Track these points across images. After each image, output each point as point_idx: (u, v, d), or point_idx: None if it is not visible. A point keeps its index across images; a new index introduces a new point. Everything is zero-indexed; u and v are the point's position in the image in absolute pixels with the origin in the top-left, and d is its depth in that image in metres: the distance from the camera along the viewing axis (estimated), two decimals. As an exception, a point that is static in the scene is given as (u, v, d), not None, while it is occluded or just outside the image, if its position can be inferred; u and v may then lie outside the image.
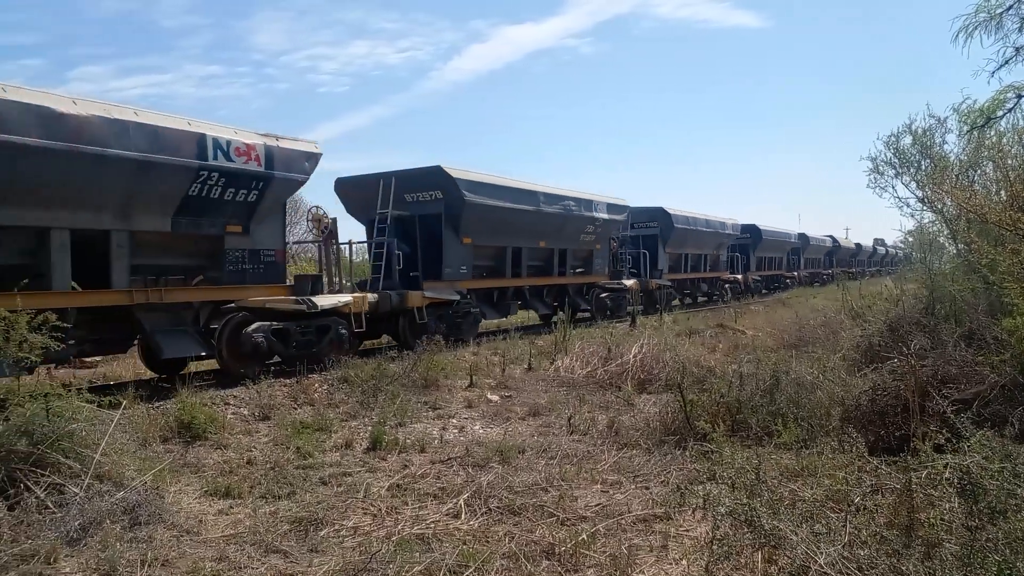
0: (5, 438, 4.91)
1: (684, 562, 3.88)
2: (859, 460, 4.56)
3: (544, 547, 4.14)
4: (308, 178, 11.12)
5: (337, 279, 12.79)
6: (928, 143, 9.98)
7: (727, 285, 29.47)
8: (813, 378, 6.57)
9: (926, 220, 11.72)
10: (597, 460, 6.00)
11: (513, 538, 4.28)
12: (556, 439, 6.76)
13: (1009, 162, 7.83)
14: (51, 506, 4.60)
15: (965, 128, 8.68)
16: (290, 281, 11.22)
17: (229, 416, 7.65)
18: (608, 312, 19.45)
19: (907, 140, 10.24)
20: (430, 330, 12.57)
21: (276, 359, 10.37)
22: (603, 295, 19.65)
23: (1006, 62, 7.40)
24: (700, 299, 28.33)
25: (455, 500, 5.01)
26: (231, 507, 5.08)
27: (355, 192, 14.88)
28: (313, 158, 11.14)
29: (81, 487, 4.78)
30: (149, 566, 3.96)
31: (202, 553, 4.22)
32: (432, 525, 4.59)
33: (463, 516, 4.73)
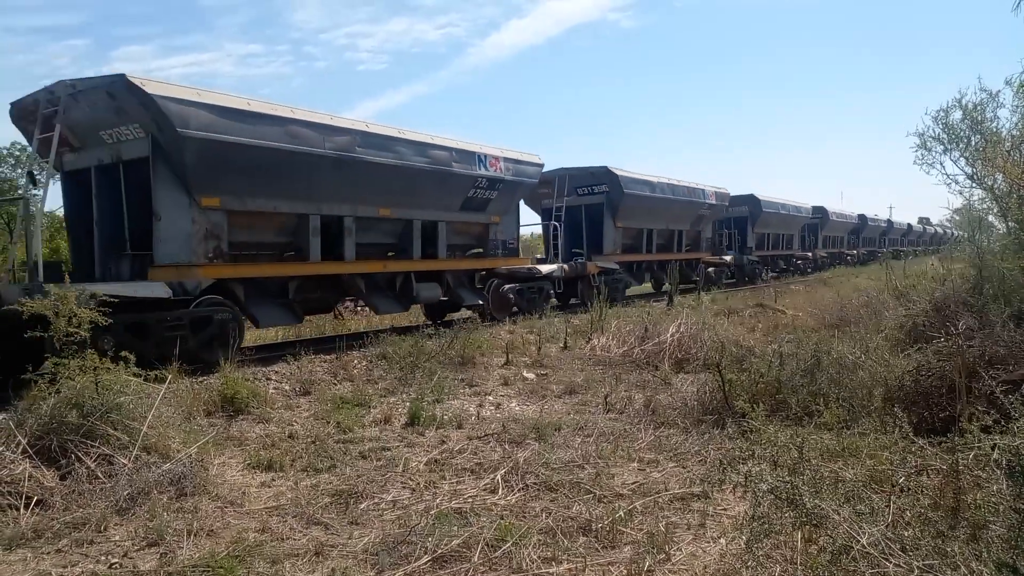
0: (57, 410, 5.07)
1: (722, 540, 3.86)
2: (903, 440, 4.48)
3: (581, 523, 4.14)
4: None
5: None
6: (979, 118, 9.65)
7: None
8: (855, 358, 6.45)
9: (975, 198, 11.37)
10: (634, 438, 5.98)
11: (550, 514, 4.30)
12: (592, 417, 6.75)
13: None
14: (101, 476, 4.75)
15: (1021, 101, 8.36)
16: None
17: (271, 391, 7.78)
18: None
19: (956, 115, 9.89)
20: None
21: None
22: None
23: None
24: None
25: (492, 476, 5.05)
26: (273, 480, 5.19)
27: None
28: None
29: (129, 458, 4.93)
30: (195, 536, 4.06)
31: (245, 524, 4.31)
32: (470, 500, 4.63)
33: (500, 491, 4.77)
